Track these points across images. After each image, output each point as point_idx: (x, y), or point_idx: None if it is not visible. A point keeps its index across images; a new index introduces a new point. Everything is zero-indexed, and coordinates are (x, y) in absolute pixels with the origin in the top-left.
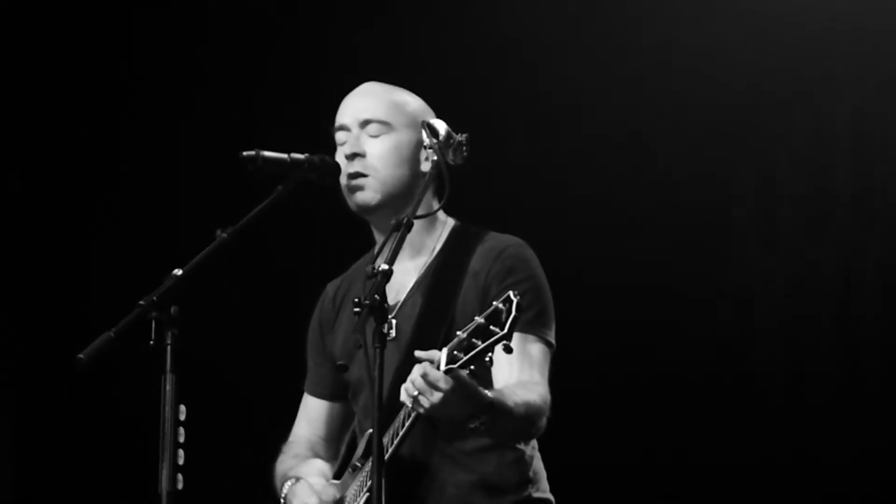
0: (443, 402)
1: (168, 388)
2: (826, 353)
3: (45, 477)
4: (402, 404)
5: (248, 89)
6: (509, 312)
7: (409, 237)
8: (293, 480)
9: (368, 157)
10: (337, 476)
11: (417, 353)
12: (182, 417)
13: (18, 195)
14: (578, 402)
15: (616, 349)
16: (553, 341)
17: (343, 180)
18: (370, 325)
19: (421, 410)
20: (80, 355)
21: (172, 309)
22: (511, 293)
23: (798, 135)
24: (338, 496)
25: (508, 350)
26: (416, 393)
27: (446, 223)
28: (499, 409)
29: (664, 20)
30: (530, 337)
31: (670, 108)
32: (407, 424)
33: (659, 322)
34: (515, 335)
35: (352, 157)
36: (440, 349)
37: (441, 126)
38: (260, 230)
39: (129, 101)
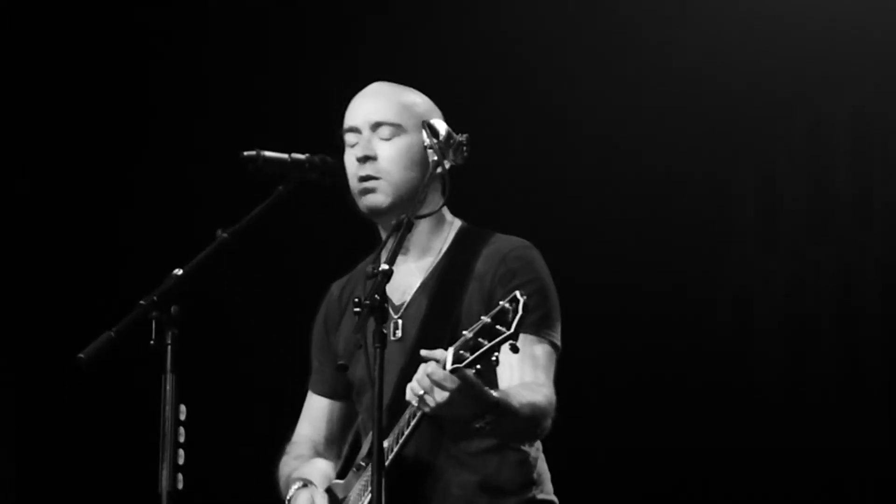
0: (448, 401)
1: (168, 387)
2: (826, 353)
3: (45, 477)
4: (408, 404)
5: (248, 89)
6: (516, 312)
7: (416, 238)
8: (299, 484)
9: (380, 160)
10: (340, 475)
11: (423, 353)
12: (182, 417)
13: (24, 196)
14: (577, 402)
15: (616, 349)
16: (559, 343)
17: (353, 182)
18: (371, 325)
19: (426, 410)
20: (81, 355)
21: (173, 309)
22: (518, 293)
23: (798, 135)
24: (339, 496)
25: (515, 350)
26: (421, 392)
27: (453, 224)
28: (504, 410)
29: (664, 20)
30: (536, 338)
31: (670, 108)
32: (412, 424)
33: (659, 322)
34: (521, 336)
35: (364, 159)
36: (445, 349)
37: (441, 126)
38: (261, 230)
39: (133, 101)
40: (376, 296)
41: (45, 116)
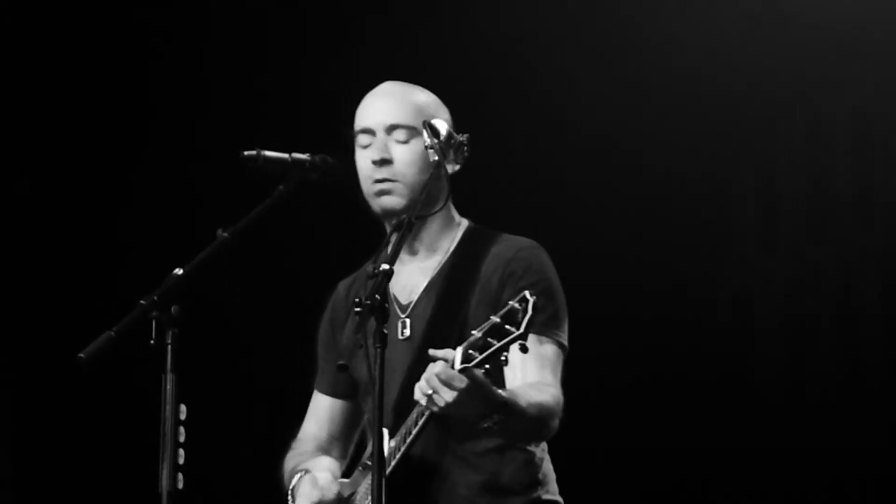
0: (457, 400)
1: (168, 387)
2: (826, 353)
3: (45, 477)
4: (415, 403)
5: (248, 89)
6: (525, 312)
7: (425, 237)
8: (301, 474)
9: (396, 163)
10: (346, 475)
11: (432, 352)
12: (182, 417)
13: (24, 196)
14: (577, 402)
15: (616, 349)
16: (566, 343)
17: (367, 184)
18: (372, 325)
19: (435, 409)
20: (81, 354)
21: (173, 308)
22: (527, 293)
23: (798, 135)
24: (344, 494)
25: (524, 349)
26: (430, 391)
27: (460, 224)
28: (511, 409)
29: (664, 20)
30: (543, 338)
31: (670, 107)
32: (420, 424)
33: (659, 322)
34: (529, 336)
35: (380, 162)
36: (453, 349)
37: (442, 126)
38: (261, 230)
39: (133, 101)
40: (377, 296)
41: (45, 116)
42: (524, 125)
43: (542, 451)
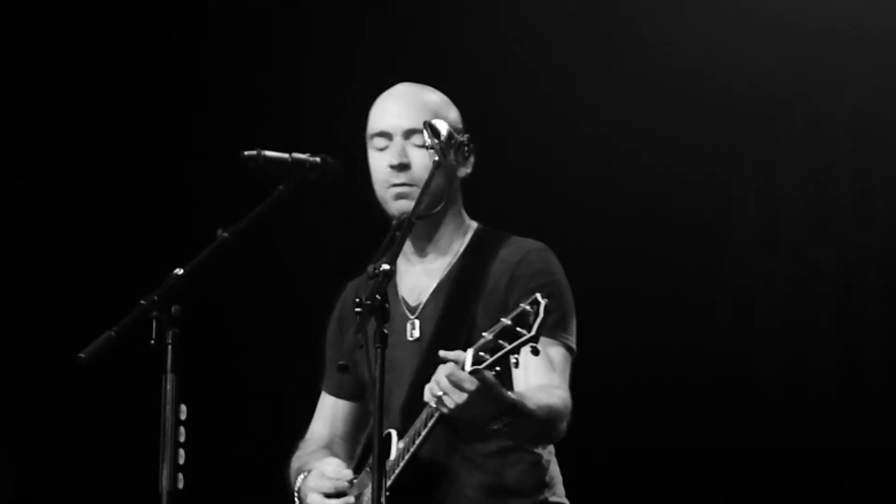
0: (467, 402)
1: (169, 387)
2: (826, 353)
3: (45, 477)
4: (423, 405)
5: (248, 89)
6: (536, 314)
7: (435, 239)
8: (307, 473)
9: (415, 168)
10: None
11: (442, 353)
12: (183, 417)
13: (24, 196)
14: (577, 402)
15: (616, 349)
16: (574, 346)
17: (383, 187)
18: (373, 325)
19: (445, 410)
20: (81, 354)
21: (173, 308)
22: (538, 295)
23: (798, 135)
24: (355, 493)
25: (536, 352)
26: (440, 393)
27: (470, 226)
28: (520, 412)
29: (664, 20)
30: (552, 341)
31: (670, 107)
32: (429, 425)
33: (659, 322)
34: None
35: (399, 167)
36: (462, 350)
37: (443, 126)
38: (261, 230)
39: (133, 101)
40: (377, 296)
41: (45, 116)
42: (524, 125)
43: (549, 453)
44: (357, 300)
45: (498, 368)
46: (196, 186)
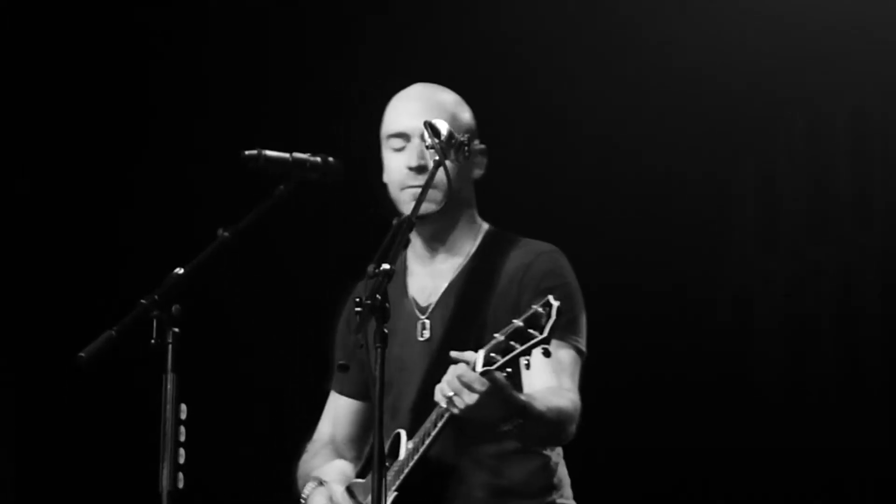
0: (478, 403)
1: (169, 386)
2: (826, 353)
3: (45, 477)
4: (433, 405)
5: (248, 89)
6: (549, 316)
7: (447, 239)
8: (316, 483)
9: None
10: (361, 475)
11: (454, 354)
12: (183, 416)
13: (24, 196)
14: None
15: (616, 349)
16: (584, 349)
17: (399, 189)
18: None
19: (455, 411)
20: (81, 354)
21: (174, 308)
22: (551, 297)
23: (798, 135)
24: (358, 496)
25: (547, 354)
26: (451, 393)
27: (481, 227)
28: (530, 413)
29: (664, 20)
30: (562, 343)
31: (671, 107)
32: (439, 425)
33: (659, 322)
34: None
35: (417, 169)
36: (472, 351)
37: (443, 126)
38: (261, 230)
39: (133, 101)
40: (377, 295)
41: (45, 116)
42: (524, 125)
43: (557, 455)
44: (357, 300)
45: (509, 370)
46: (196, 186)
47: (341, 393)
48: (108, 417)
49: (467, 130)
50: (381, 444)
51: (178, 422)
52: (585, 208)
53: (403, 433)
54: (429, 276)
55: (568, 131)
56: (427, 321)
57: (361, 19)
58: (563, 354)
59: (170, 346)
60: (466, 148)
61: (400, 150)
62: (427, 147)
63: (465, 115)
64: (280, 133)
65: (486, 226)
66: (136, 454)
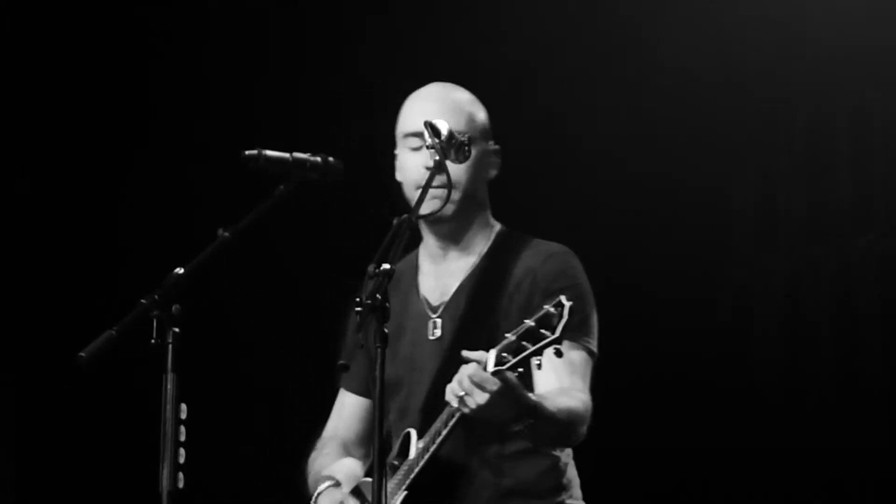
0: (489, 403)
1: (169, 386)
2: (826, 353)
3: (45, 477)
4: (443, 404)
5: (248, 89)
6: (561, 316)
7: (460, 239)
8: (328, 483)
9: (451, 172)
10: (370, 474)
11: (465, 354)
12: (183, 416)
13: (24, 196)
14: None
15: (616, 349)
16: (595, 350)
17: (413, 188)
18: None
19: (466, 411)
20: (82, 353)
21: (174, 307)
22: (563, 297)
23: (798, 135)
24: (367, 495)
25: (559, 354)
26: (462, 393)
27: (494, 227)
28: (541, 414)
29: (663, 21)
30: (573, 344)
31: (670, 108)
32: (450, 425)
33: (659, 322)
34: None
35: (438, 169)
36: (484, 350)
37: (443, 126)
38: (261, 230)
39: (133, 101)
40: (377, 295)
41: (45, 116)
42: (523, 126)
43: (567, 455)
44: (357, 300)
45: (520, 370)
46: (196, 186)
47: (351, 391)
48: (108, 417)
49: (482, 130)
50: (382, 444)
51: (178, 422)
52: (585, 209)
53: (414, 432)
54: (440, 275)
55: (567, 131)
56: (438, 320)
57: (361, 19)
58: (575, 355)
59: (170, 346)
60: (467, 148)
61: (417, 149)
62: (427, 147)
63: (481, 114)
64: (280, 133)
65: (498, 226)
66: (136, 454)
